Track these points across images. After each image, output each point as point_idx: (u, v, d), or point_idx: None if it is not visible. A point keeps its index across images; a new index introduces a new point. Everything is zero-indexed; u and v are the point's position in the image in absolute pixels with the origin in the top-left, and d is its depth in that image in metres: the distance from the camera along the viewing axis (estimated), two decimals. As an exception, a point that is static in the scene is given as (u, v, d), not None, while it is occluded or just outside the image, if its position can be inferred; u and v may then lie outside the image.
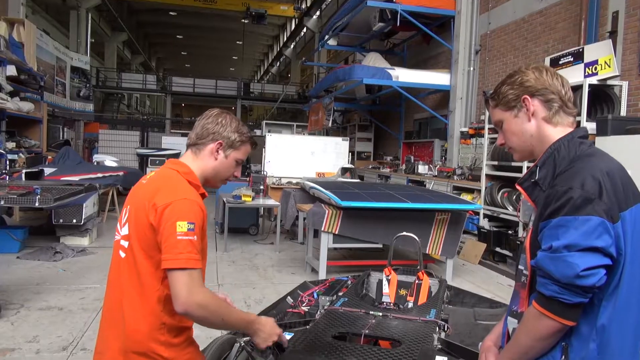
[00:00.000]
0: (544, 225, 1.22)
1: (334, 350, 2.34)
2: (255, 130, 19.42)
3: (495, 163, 7.13)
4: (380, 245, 6.07)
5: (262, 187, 8.05)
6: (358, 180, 9.56)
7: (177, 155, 15.31)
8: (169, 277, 1.47)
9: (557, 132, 1.35)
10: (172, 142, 16.04)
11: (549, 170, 1.31)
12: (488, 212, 7.21)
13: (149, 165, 14.34)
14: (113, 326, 1.61)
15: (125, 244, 1.62)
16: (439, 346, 2.57)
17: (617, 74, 6.02)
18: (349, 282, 3.59)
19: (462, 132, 9.64)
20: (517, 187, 1.41)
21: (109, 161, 12.26)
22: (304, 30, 26.49)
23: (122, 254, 1.63)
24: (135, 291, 1.57)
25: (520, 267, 1.38)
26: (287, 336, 2.45)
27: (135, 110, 31.12)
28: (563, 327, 1.19)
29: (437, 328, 2.72)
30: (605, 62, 5.98)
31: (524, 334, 1.26)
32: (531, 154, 1.42)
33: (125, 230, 1.64)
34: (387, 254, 3.74)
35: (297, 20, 27.04)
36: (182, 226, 1.46)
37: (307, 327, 2.66)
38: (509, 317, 1.41)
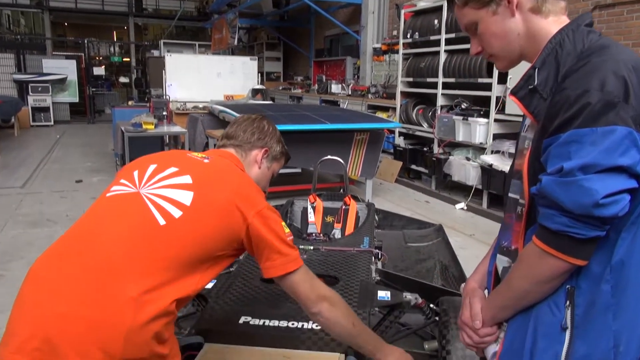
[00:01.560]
0: (549, 143, 0.93)
1: (266, 296, 2.07)
2: (152, 51, 17.71)
3: (410, 79, 6.98)
4: (298, 170, 5.80)
5: (165, 113, 7.31)
6: (270, 102, 9.10)
7: (63, 80, 13.63)
8: (290, 282, 1.37)
9: (551, 23, 1.04)
10: (55, 65, 14.06)
11: (550, 72, 0.99)
12: (403, 130, 7.15)
13: (31, 93, 12.58)
14: (93, 316, 1.09)
15: (175, 212, 1.26)
16: (377, 277, 2.40)
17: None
18: (272, 213, 3.31)
19: (374, 49, 9.34)
20: (511, 97, 1.07)
21: (-21, 89, 10.55)
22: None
23: (162, 221, 1.24)
24: (171, 276, 1.20)
25: (511, 195, 1.11)
26: (210, 284, 2.15)
27: (7, 30, 27.10)
28: (571, 267, 0.94)
29: (373, 257, 2.55)
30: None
31: (520, 277, 1.02)
32: (520, 58, 1.10)
33: (172, 194, 1.30)
34: (306, 177, 3.48)
35: None
36: (285, 227, 1.39)
37: (232, 269, 2.35)
38: (498, 255, 1.16)
